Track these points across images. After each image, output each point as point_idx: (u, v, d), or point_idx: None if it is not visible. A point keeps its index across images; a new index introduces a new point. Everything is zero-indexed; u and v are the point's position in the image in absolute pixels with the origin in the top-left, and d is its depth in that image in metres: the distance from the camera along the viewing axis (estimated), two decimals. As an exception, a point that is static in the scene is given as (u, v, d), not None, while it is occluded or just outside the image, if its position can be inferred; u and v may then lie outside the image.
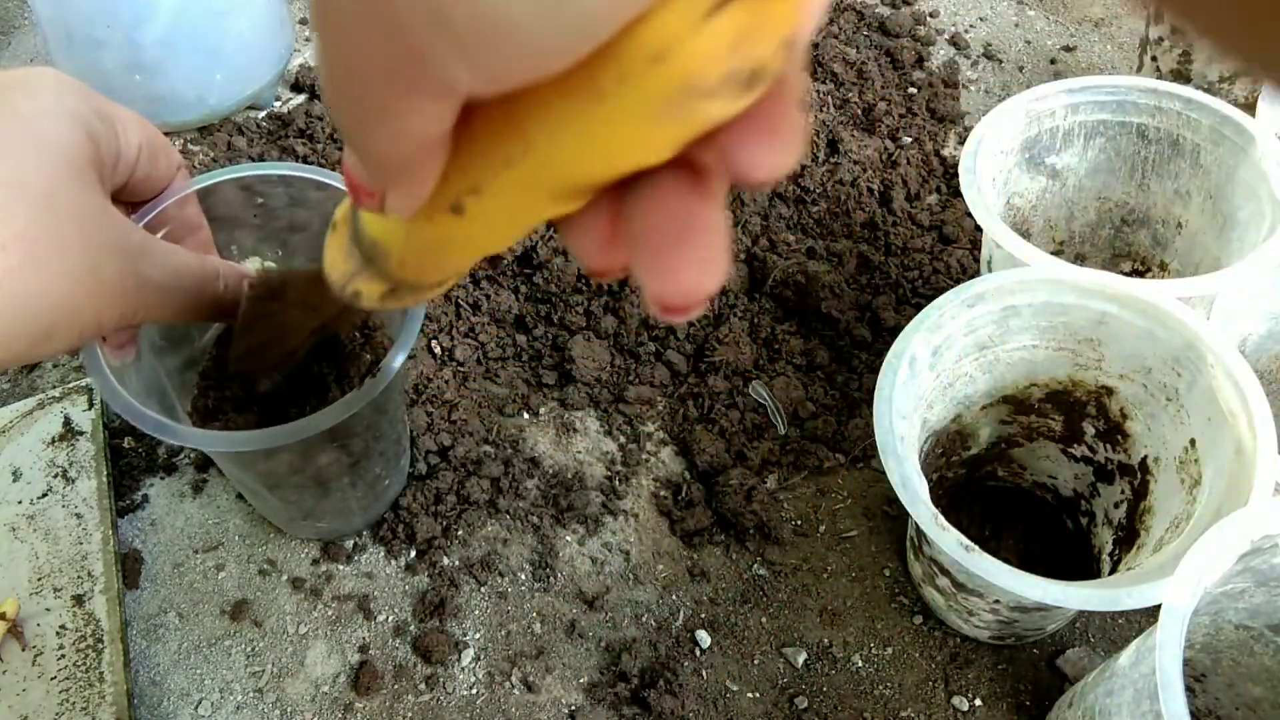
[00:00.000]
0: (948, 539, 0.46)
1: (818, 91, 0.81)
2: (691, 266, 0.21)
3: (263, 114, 0.90)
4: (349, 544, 0.62)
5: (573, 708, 0.56)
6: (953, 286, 0.53)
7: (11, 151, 0.32)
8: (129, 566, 0.61)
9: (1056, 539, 0.61)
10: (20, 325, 0.32)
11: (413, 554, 0.62)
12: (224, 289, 0.41)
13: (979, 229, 0.59)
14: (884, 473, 0.46)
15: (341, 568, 0.61)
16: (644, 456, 0.66)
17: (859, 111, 0.84)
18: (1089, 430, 0.58)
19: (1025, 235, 0.65)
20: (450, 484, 0.63)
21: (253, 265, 0.45)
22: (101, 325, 0.35)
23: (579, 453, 0.66)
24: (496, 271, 0.73)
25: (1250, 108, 0.64)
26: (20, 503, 0.61)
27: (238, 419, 0.48)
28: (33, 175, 0.32)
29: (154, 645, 0.59)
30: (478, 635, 0.59)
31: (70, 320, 0.33)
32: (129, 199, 0.43)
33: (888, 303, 0.71)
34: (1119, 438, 0.56)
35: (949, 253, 0.74)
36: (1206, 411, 0.50)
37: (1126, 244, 0.72)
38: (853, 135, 0.81)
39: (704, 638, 0.59)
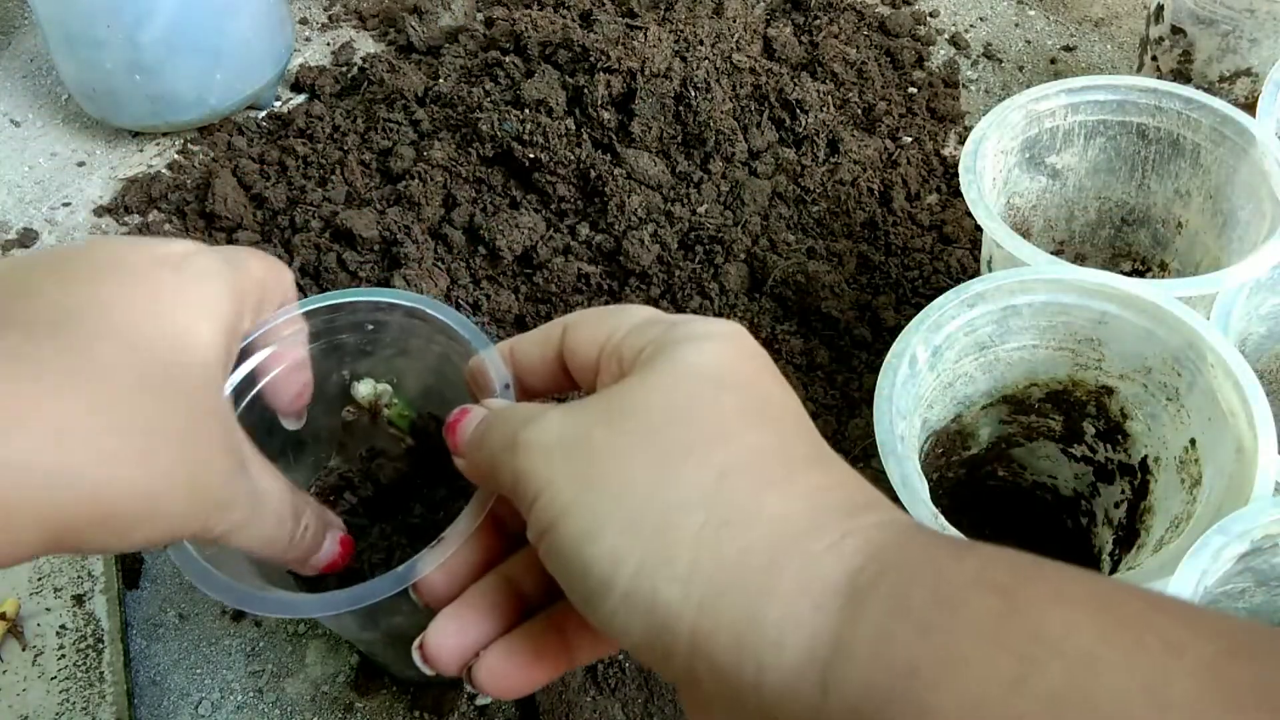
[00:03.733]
0: (948, 539, 0.46)
1: (818, 91, 0.81)
2: None
3: (263, 114, 0.90)
4: (349, 544, 0.62)
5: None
6: (953, 286, 0.53)
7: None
8: (129, 566, 0.61)
9: (1056, 539, 0.61)
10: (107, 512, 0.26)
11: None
12: (303, 530, 0.35)
13: (979, 229, 0.59)
14: (884, 473, 0.46)
15: (341, 568, 0.61)
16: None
17: (859, 111, 0.84)
18: (1089, 430, 0.58)
19: (1025, 235, 0.65)
20: (450, 484, 0.63)
21: (365, 388, 0.42)
22: (176, 532, 0.29)
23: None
24: (496, 271, 0.73)
25: (1250, 108, 0.63)
26: (20, 503, 0.61)
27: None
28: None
29: (154, 645, 0.59)
30: (478, 635, 0.59)
31: (152, 520, 0.27)
32: None
33: (888, 303, 0.71)
34: (1119, 437, 0.56)
35: (949, 253, 0.74)
36: (1207, 411, 0.50)
37: (1126, 244, 0.72)
38: (853, 135, 0.81)
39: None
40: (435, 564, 0.32)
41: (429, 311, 0.40)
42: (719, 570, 0.23)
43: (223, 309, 0.31)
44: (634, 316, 0.30)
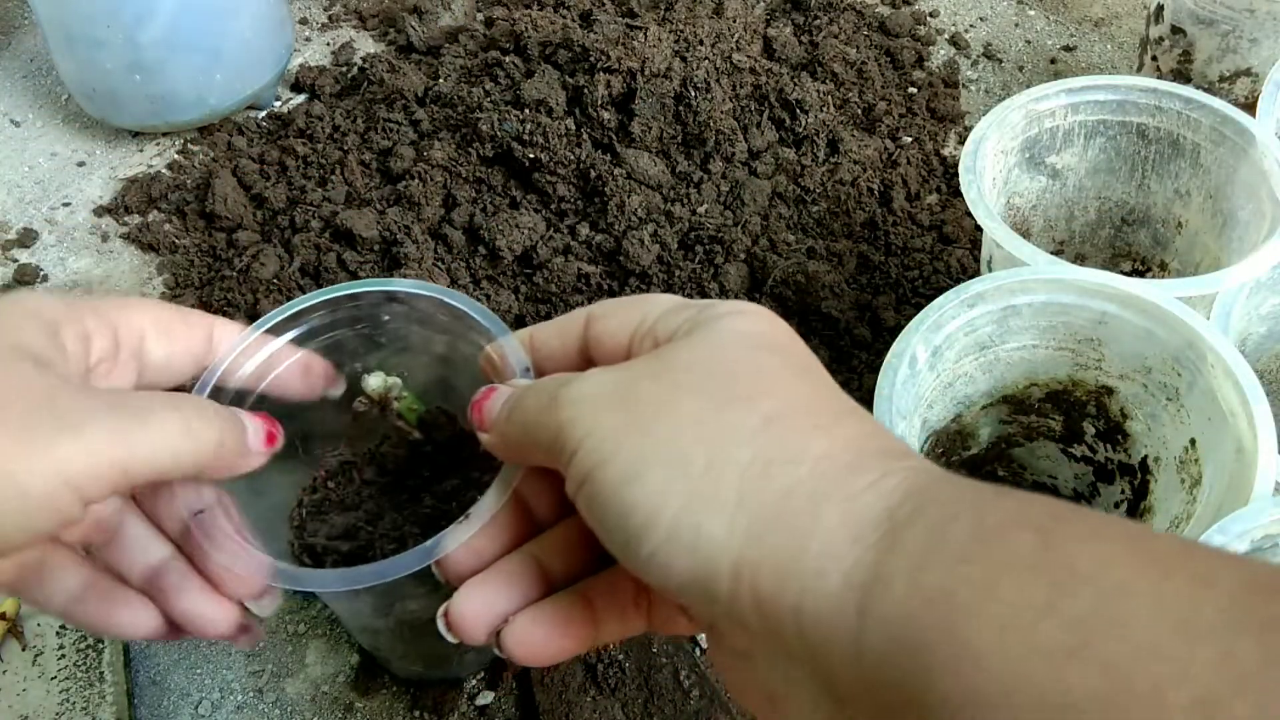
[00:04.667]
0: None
1: (818, 91, 0.81)
2: None
3: (263, 114, 0.90)
4: (349, 544, 0.62)
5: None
6: (953, 286, 0.53)
7: None
8: (129, 566, 0.61)
9: (1056, 539, 0.61)
10: None
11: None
12: (222, 425, 0.33)
13: (979, 229, 0.59)
14: (884, 473, 0.46)
15: (341, 568, 0.61)
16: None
17: (859, 111, 0.84)
18: (1089, 430, 0.58)
19: (1025, 235, 0.65)
20: (450, 484, 0.63)
21: (376, 381, 0.41)
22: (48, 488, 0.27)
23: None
24: (496, 271, 0.73)
25: (1250, 108, 0.63)
26: (20, 503, 0.61)
27: (340, 546, 0.41)
28: None
29: (154, 645, 0.59)
30: (478, 635, 0.59)
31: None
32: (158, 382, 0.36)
33: (888, 303, 0.71)
34: (1119, 438, 0.56)
35: (949, 253, 0.74)
36: (1206, 411, 0.50)
37: (1126, 244, 0.72)
38: (853, 135, 0.81)
39: (704, 638, 0.59)
40: (461, 539, 0.32)
41: (446, 300, 0.39)
42: (764, 506, 0.24)
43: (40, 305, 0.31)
44: (663, 303, 0.31)
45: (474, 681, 0.57)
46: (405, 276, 0.71)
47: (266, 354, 0.39)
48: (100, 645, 0.56)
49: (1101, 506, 0.58)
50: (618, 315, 0.32)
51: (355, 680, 0.57)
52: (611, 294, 0.72)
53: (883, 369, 0.50)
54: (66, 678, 0.54)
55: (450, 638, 0.30)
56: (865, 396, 0.68)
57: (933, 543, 0.22)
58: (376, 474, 0.43)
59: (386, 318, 0.42)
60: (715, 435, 0.26)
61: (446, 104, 0.82)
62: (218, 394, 0.37)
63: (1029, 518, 0.22)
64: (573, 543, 0.32)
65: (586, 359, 0.33)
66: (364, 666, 0.57)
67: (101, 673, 0.55)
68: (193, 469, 0.31)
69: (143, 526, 0.33)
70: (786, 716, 0.26)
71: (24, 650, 0.55)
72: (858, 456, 0.25)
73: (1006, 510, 0.22)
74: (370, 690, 0.56)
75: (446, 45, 0.92)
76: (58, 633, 0.56)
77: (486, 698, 0.56)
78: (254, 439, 0.34)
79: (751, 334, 0.29)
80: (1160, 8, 0.79)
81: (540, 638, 0.30)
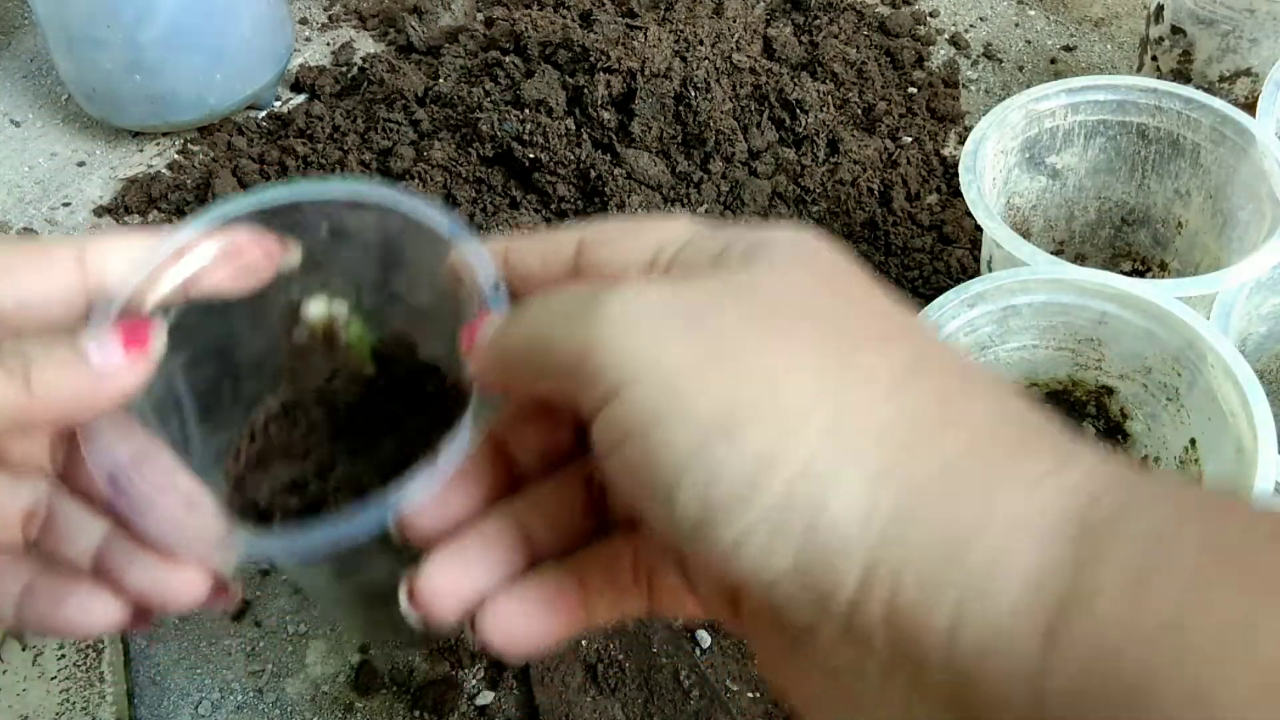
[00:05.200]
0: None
1: (818, 91, 0.81)
2: None
3: (263, 114, 0.90)
4: (349, 544, 0.62)
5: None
6: (953, 286, 0.53)
7: None
8: (129, 566, 0.61)
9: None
10: None
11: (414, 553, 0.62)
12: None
13: (979, 229, 0.59)
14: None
15: (341, 568, 0.61)
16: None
17: (859, 111, 0.84)
18: (1089, 430, 0.58)
19: (1025, 235, 0.65)
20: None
21: (318, 307, 0.35)
22: None
23: (579, 453, 0.66)
24: (496, 271, 0.73)
25: (1250, 107, 0.63)
26: (20, 503, 0.61)
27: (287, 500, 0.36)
28: None
29: (154, 645, 0.59)
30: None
31: None
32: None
33: (888, 303, 0.71)
34: (1119, 438, 0.56)
35: (949, 253, 0.74)
36: (1206, 411, 0.50)
37: (1126, 244, 0.72)
38: (853, 135, 0.81)
39: (704, 637, 0.59)
40: (427, 492, 0.25)
41: (392, 205, 0.32)
42: (911, 485, 0.18)
43: None
44: (681, 229, 0.24)
45: (474, 681, 0.57)
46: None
47: (179, 262, 0.30)
48: (100, 645, 0.56)
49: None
50: (622, 242, 0.25)
51: (355, 680, 0.57)
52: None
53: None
54: (66, 678, 0.54)
55: (414, 618, 0.24)
56: (865, 396, 0.68)
57: (1153, 556, 0.17)
58: (325, 416, 0.36)
59: (324, 232, 0.34)
60: (841, 385, 0.19)
61: (446, 104, 0.82)
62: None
63: (1277, 530, 0.17)
64: (565, 504, 0.26)
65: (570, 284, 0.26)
66: (364, 666, 0.57)
67: (101, 673, 0.55)
68: (9, 421, 0.24)
69: (75, 506, 0.27)
70: None
71: (24, 650, 0.55)
72: (1022, 434, 0.19)
73: (1242, 519, 0.17)
74: (370, 690, 0.56)
75: (446, 45, 0.92)
76: (58, 633, 0.56)
77: (486, 698, 0.56)
78: (101, 353, 0.25)
79: (834, 266, 0.22)
80: (1160, 8, 0.79)
81: (523, 624, 0.24)
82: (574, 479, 0.25)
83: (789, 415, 0.19)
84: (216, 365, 0.33)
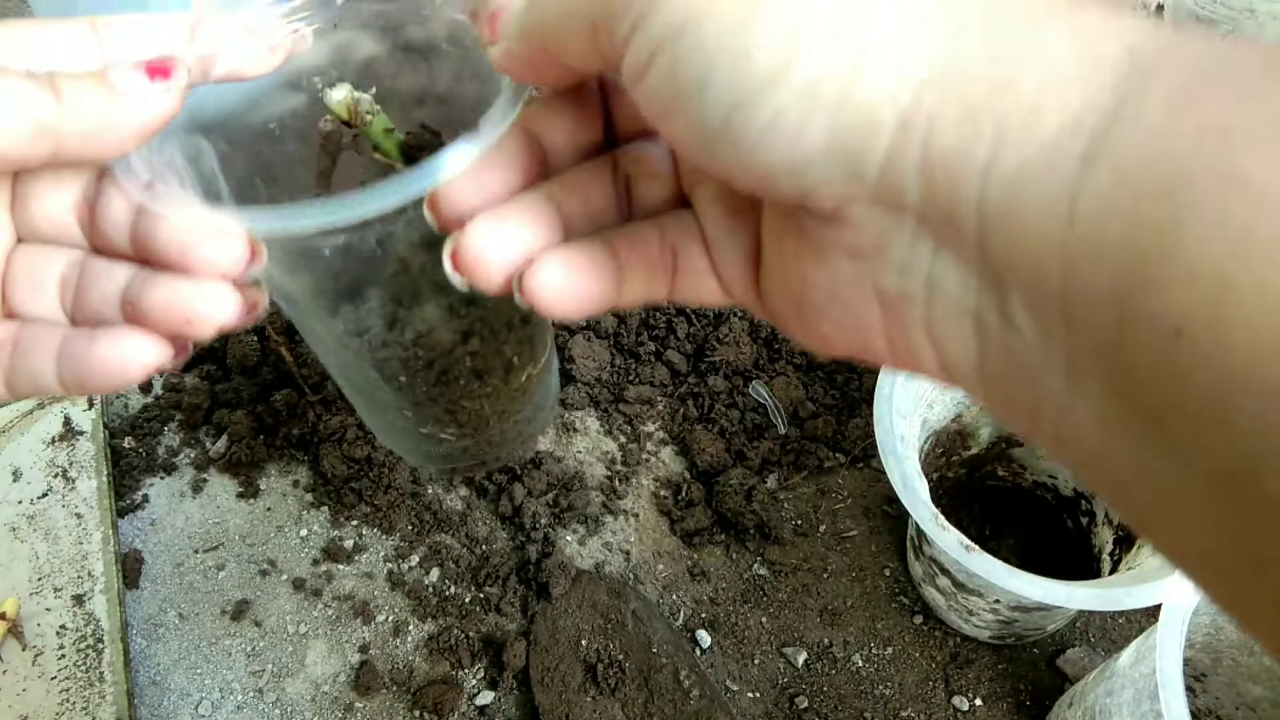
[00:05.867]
0: (948, 539, 0.46)
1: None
2: None
3: (263, 114, 0.90)
4: (349, 544, 0.62)
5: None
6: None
7: None
8: (129, 566, 0.61)
9: (1056, 539, 0.61)
10: None
11: (414, 557, 0.62)
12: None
13: (979, 229, 0.59)
14: (884, 472, 0.46)
15: (341, 568, 0.61)
16: (644, 456, 0.66)
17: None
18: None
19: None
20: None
21: (340, 93, 0.34)
22: None
23: (579, 452, 0.66)
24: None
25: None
26: (20, 503, 0.61)
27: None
28: None
29: (154, 645, 0.59)
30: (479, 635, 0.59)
31: None
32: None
33: (888, 302, 0.71)
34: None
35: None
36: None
37: (1126, 244, 0.72)
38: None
39: (704, 637, 0.59)
40: (467, 160, 0.25)
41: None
42: (954, 37, 0.18)
43: None
44: None
45: (474, 681, 0.57)
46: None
47: (198, 38, 0.29)
48: (100, 645, 0.56)
49: (1102, 506, 0.58)
50: None
51: (355, 680, 0.57)
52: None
53: (883, 368, 0.50)
54: (66, 678, 0.54)
55: (459, 281, 0.25)
56: (865, 396, 0.68)
57: (1203, 77, 0.16)
58: None
59: (336, 23, 0.33)
60: (863, 17, 0.18)
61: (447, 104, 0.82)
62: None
63: None
64: (597, 186, 0.26)
65: None
66: (364, 666, 0.57)
67: (101, 673, 0.55)
68: (41, 131, 0.24)
69: (101, 261, 0.27)
70: (907, 336, 0.20)
71: (24, 650, 0.55)
72: None
73: None
74: (370, 690, 0.56)
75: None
76: (58, 632, 0.56)
77: (486, 698, 0.56)
78: (126, 81, 0.25)
79: None
80: (1160, 8, 0.79)
81: (566, 282, 0.24)
82: (603, 168, 0.26)
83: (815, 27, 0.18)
84: (250, 159, 0.32)
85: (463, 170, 0.25)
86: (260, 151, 0.33)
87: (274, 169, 0.35)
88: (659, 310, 0.71)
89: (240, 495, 0.64)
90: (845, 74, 0.18)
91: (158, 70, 0.26)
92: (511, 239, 0.24)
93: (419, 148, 0.35)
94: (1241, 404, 0.14)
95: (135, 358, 0.26)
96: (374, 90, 0.34)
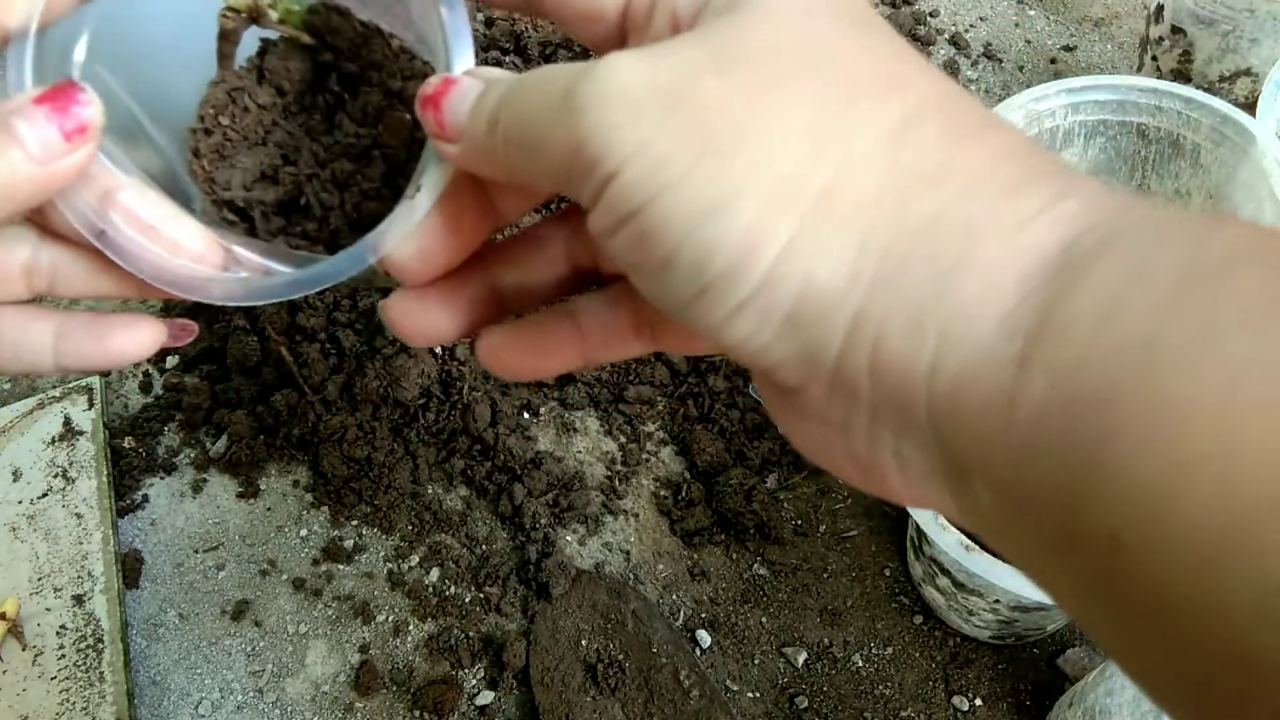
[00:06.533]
0: (948, 539, 0.46)
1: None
2: None
3: (263, 114, 0.90)
4: (349, 544, 0.62)
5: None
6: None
7: None
8: (129, 566, 0.61)
9: (1057, 539, 0.61)
10: None
11: (414, 557, 0.62)
12: None
13: (979, 229, 0.59)
14: (884, 472, 0.46)
15: (342, 568, 0.61)
16: (644, 456, 0.66)
17: (859, 111, 0.84)
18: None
19: (1025, 235, 0.65)
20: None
21: None
22: None
23: (579, 452, 0.66)
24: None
25: (1250, 108, 0.63)
26: (20, 503, 0.61)
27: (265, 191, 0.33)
28: None
29: (154, 645, 0.59)
30: (480, 635, 0.59)
31: None
32: None
33: (888, 302, 0.71)
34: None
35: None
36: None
37: (1126, 244, 0.72)
38: (853, 135, 0.81)
39: (704, 637, 0.59)
40: (402, 232, 0.25)
41: None
42: (900, 239, 0.18)
43: None
44: None
45: (474, 681, 0.57)
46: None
47: None
48: (100, 645, 0.56)
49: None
50: None
51: (355, 680, 0.57)
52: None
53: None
54: (66, 678, 0.54)
55: (391, 333, 0.25)
56: (865, 396, 0.68)
57: (1130, 281, 0.16)
58: (273, 95, 0.33)
59: None
60: (831, 151, 0.19)
61: (446, 104, 0.82)
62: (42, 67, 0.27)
63: (1260, 252, 0.16)
64: (543, 255, 0.26)
65: (535, 8, 0.25)
66: (364, 666, 0.57)
67: (101, 673, 0.55)
68: None
69: (66, 252, 0.27)
70: (886, 487, 0.21)
71: (24, 650, 0.55)
72: (1021, 172, 0.19)
73: (1227, 241, 0.17)
74: (370, 690, 0.56)
75: (446, 45, 0.92)
76: (58, 632, 0.56)
77: (486, 698, 0.56)
78: (40, 144, 0.24)
79: (833, 4, 0.21)
80: (1160, 8, 0.79)
81: (516, 358, 0.25)
82: (555, 231, 0.26)
83: (780, 185, 0.19)
84: (153, 63, 0.31)
85: (400, 242, 0.24)
86: (156, 48, 0.32)
87: (178, 64, 0.33)
88: (659, 310, 0.71)
89: (240, 495, 0.64)
90: (802, 273, 0.19)
91: (63, 112, 0.24)
92: (433, 319, 0.25)
93: (327, 27, 0.33)
94: (1181, 615, 0.15)
95: (149, 339, 0.27)
96: None
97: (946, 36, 0.94)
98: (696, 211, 0.19)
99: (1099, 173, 0.69)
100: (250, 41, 0.33)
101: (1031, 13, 0.96)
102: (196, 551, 0.62)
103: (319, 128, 0.33)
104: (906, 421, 0.19)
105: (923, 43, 0.92)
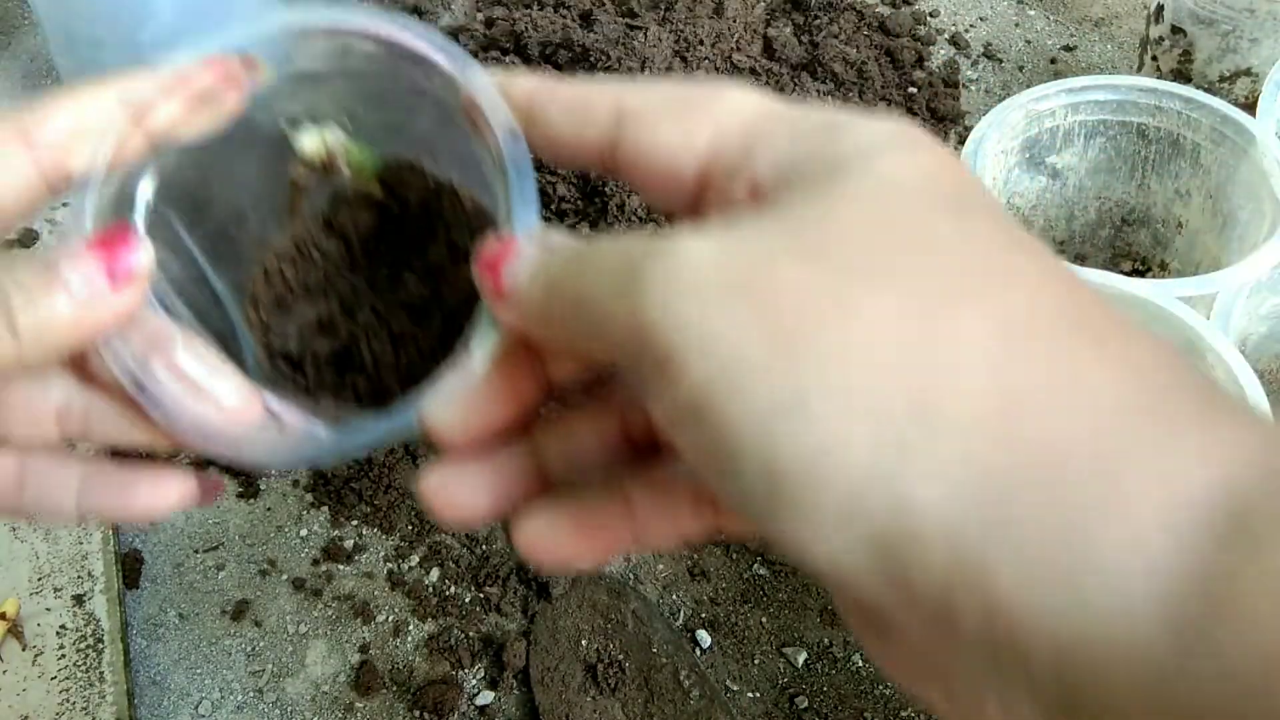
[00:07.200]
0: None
1: (818, 91, 0.81)
2: None
3: (263, 114, 0.90)
4: (349, 544, 0.62)
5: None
6: (953, 286, 0.53)
7: None
8: (129, 566, 0.61)
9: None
10: None
11: (414, 557, 0.62)
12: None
13: (979, 229, 0.59)
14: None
15: (342, 568, 0.61)
16: (644, 456, 0.66)
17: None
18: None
19: (1025, 235, 0.65)
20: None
21: (312, 141, 0.31)
22: None
23: (579, 453, 0.66)
24: (496, 271, 0.73)
25: (1250, 108, 0.63)
26: (20, 503, 0.61)
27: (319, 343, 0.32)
28: None
29: (154, 645, 0.59)
30: (480, 635, 0.59)
31: None
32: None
33: (888, 302, 0.71)
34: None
35: (949, 253, 0.74)
36: (1207, 411, 0.50)
37: (1126, 244, 0.72)
38: (853, 135, 0.81)
39: (704, 637, 0.59)
40: (453, 394, 0.23)
41: (375, 32, 0.28)
42: (1012, 467, 0.16)
43: None
44: (737, 106, 0.22)
45: (474, 681, 0.57)
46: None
47: (140, 114, 0.26)
48: (100, 645, 0.56)
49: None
50: (675, 123, 0.22)
51: (355, 680, 0.57)
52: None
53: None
54: (66, 678, 0.54)
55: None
56: (865, 396, 0.68)
57: None
58: (340, 248, 0.33)
59: (306, 62, 0.30)
60: (927, 352, 0.17)
61: (446, 104, 0.82)
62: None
63: None
64: (595, 426, 0.24)
65: (609, 167, 0.23)
66: (364, 666, 0.57)
67: (101, 673, 0.55)
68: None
69: (101, 400, 0.27)
70: (974, 712, 0.18)
71: (24, 650, 0.55)
72: (1161, 392, 0.16)
73: None
74: (370, 690, 0.56)
75: (446, 45, 0.92)
76: (58, 633, 0.56)
77: (486, 698, 0.56)
78: (86, 285, 0.23)
79: (930, 181, 0.19)
80: (1160, 8, 0.79)
81: (555, 543, 0.22)
82: (613, 393, 0.24)
83: (865, 389, 0.16)
84: (220, 209, 0.31)
85: (444, 407, 0.23)
86: (224, 192, 0.32)
87: (244, 208, 0.33)
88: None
89: (240, 495, 0.64)
90: (893, 492, 0.16)
91: (115, 259, 0.24)
92: (470, 493, 0.23)
93: (399, 181, 0.33)
94: None
95: (177, 497, 0.26)
96: (345, 122, 0.32)
97: (946, 36, 0.94)
98: (767, 412, 0.17)
99: (1099, 172, 0.69)
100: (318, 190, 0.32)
101: (1031, 13, 0.96)
102: (196, 551, 0.62)
103: (382, 281, 0.32)
104: (1021, 672, 0.16)
105: (923, 42, 0.92)
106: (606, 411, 0.24)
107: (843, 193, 0.19)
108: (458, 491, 0.23)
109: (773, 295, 0.17)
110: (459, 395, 0.23)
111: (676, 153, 0.22)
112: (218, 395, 0.25)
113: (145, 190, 0.28)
